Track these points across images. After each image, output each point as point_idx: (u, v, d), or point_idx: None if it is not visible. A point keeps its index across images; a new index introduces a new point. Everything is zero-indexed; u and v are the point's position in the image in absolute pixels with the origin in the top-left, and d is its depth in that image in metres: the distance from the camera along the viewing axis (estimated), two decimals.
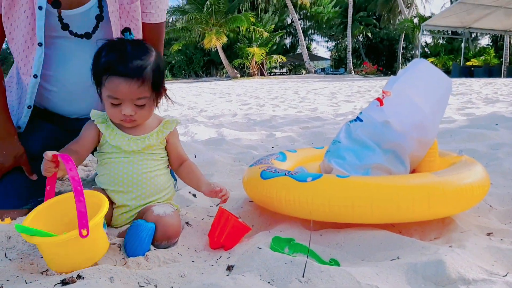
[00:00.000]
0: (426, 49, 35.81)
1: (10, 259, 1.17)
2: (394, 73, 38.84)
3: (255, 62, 33.25)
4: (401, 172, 1.42)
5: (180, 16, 32.90)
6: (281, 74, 45.80)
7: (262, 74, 36.51)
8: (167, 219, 1.24)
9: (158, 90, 1.33)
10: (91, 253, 1.10)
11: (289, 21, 42.12)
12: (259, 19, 34.99)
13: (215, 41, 30.10)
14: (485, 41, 39.15)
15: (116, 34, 1.60)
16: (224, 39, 30.57)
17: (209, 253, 1.24)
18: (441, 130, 3.15)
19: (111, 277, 1.01)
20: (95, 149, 1.43)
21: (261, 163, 1.53)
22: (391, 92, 1.44)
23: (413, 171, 1.50)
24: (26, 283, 1.02)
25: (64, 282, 0.99)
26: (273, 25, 34.77)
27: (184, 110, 6.55)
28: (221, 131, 3.57)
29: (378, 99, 1.48)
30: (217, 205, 1.67)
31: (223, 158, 2.47)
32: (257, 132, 3.57)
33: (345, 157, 1.43)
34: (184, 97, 10.68)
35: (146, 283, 1.02)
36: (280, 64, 46.72)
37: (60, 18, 1.59)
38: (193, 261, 1.18)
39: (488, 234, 1.36)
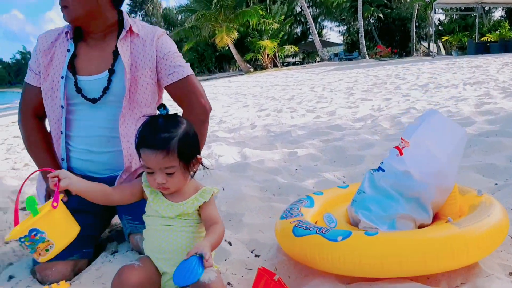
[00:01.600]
0: (439, 27, 35.20)
1: None
2: (408, 53, 38.40)
3: (267, 55, 33.23)
4: (424, 219, 1.51)
5: (189, 15, 33.01)
6: (295, 63, 45.63)
7: (275, 66, 36.49)
8: (212, 286, 1.35)
9: (187, 161, 1.43)
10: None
11: (298, 9, 41.88)
12: (268, 11, 34.88)
13: (226, 39, 30.16)
14: (499, 13, 38.34)
15: (127, 95, 1.86)
16: (235, 35, 30.60)
17: None
18: None
19: None
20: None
21: (291, 216, 1.63)
22: (410, 142, 1.53)
23: (436, 215, 1.58)
24: None
25: None
26: (283, 16, 34.64)
27: None
28: (244, 151, 3.68)
29: (397, 147, 1.57)
30: (254, 255, 1.78)
31: (250, 189, 2.58)
32: (279, 150, 3.67)
33: (370, 208, 1.52)
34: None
35: None
36: (293, 53, 46.58)
37: (76, 83, 1.87)
38: None
39: (510, 274, 1.44)
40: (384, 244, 1.33)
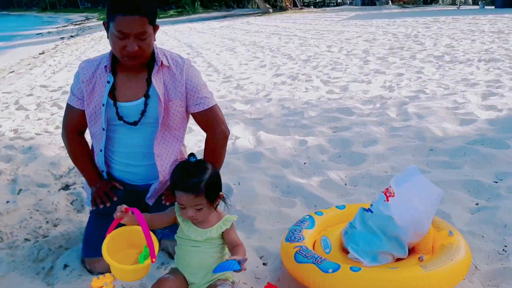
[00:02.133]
0: None
1: None
2: (433, 0, 37.15)
3: None
4: (401, 255, 1.89)
5: None
6: (316, 4, 44.44)
7: (295, 5, 35.74)
8: None
9: (211, 199, 1.80)
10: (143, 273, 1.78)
11: None
12: None
13: None
14: None
15: (161, 121, 2.22)
16: None
17: None
18: (456, 144, 3.50)
19: None
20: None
21: (294, 240, 2.00)
22: (395, 193, 1.87)
23: (412, 249, 1.95)
24: None
25: None
26: None
27: (221, 85, 6.97)
28: (259, 135, 4.03)
29: (385, 193, 1.91)
30: (262, 262, 2.18)
31: (262, 187, 2.96)
32: (291, 137, 4.00)
33: (358, 243, 1.89)
34: (219, 55, 10.99)
35: None
36: None
37: (117, 112, 2.22)
38: None
39: None
40: (364, 279, 1.72)
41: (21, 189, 3.21)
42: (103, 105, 2.21)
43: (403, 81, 6.17)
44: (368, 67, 7.50)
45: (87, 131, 2.39)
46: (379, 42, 10.96)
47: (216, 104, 2.36)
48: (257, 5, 40.48)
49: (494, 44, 8.97)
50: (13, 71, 11.21)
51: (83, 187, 3.17)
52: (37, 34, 30.09)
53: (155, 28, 2.14)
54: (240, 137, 4.11)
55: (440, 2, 35.75)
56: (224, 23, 25.13)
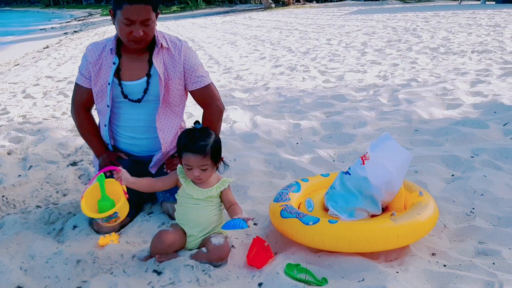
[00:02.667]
0: None
1: (128, 275, 1.97)
2: None
3: None
4: (375, 212, 2.11)
5: None
6: None
7: (298, 0, 35.83)
8: (221, 248, 1.99)
9: (215, 160, 2.03)
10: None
11: None
12: None
13: None
14: None
15: (162, 98, 2.44)
16: None
17: (247, 270, 1.98)
18: (440, 125, 3.72)
19: None
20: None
21: (281, 200, 2.23)
22: (370, 156, 2.09)
23: (386, 207, 2.18)
24: None
25: None
26: None
27: (222, 75, 7.18)
28: (255, 119, 4.25)
29: (362, 158, 2.14)
30: (254, 222, 2.40)
31: (256, 162, 3.18)
32: (286, 120, 4.22)
33: (337, 201, 2.12)
34: (220, 48, 11.20)
35: None
36: None
37: (122, 91, 2.45)
38: (237, 277, 1.94)
39: (432, 255, 2.05)
40: (340, 230, 1.94)
41: (32, 166, 3.43)
42: (109, 84, 2.44)
43: (397, 71, 6.38)
44: (365, 58, 7.70)
45: (94, 108, 2.63)
46: (378, 35, 11.15)
47: (212, 82, 2.59)
48: (260, 0, 40.61)
49: (489, 37, 9.14)
50: (18, 64, 11.45)
51: (90, 163, 3.41)
52: (40, 29, 30.30)
53: (157, 14, 2.36)
54: (237, 121, 4.33)
55: None
56: (227, 18, 25.33)
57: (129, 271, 2.01)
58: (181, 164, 2.07)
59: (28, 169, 3.35)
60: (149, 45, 2.44)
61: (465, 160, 2.99)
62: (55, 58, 11.60)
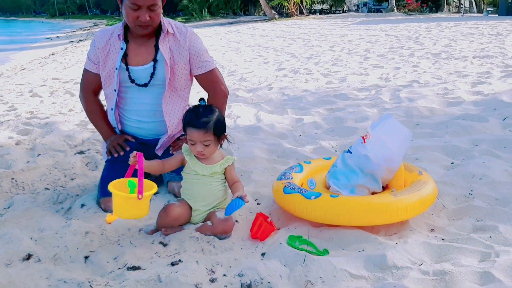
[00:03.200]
0: None
1: (135, 245, 2.03)
2: (439, 7, 37.51)
3: (294, 2, 32.90)
4: (375, 189, 2.17)
5: None
6: (322, 11, 44.92)
7: (301, 13, 36.15)
8: (226, 221, 2.05)
9: (218, 136, 2.10)
10: (138, 211, 1.99)
11: None
12: None
13: None
14: None
15: (168, 82, 2.51)
16: None
17: (250, 242, 2.04)
18: (440, 119, 3.79)
19: (197, 261, 1.84)
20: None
21: (284, 178, 2.29)
22: (371, 135, 2.16)
23: (386, 186, 2.24)
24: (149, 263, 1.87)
25: (172, 264, 1.83)
26: None
27: (225, 78, 7.27)
28: (259, 114, 4.32)
29: (363, 137, 2.20)
30: (257, 203, 2.47)
31: (260, 151, 3.25)
32: (289, 116, 4.30)
33: (339, 178, 2.18)
34: (224, 54, 11.32)
35: (215, 264, 1.85)
36: (320, 0, 45.73)
37: (129, 75, 2.52)
38: (241, 248, 1.99)
39: (431, 231, 2.10)
40: (341, 204, 2.00)
41: (40, 154, 3.50)
42: (116, 69, 2.52)
43: (399, 73, 6.46)
44: (367, 63, 7.79)
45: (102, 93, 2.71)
46: (381, 43, 11.26)
47: (216, 67, 2.66)
48: (264, 12, 41.00)
49: (491, 44, 9.24)
50: (24, 69, 11.59)
51: (97, 152, 3.48)
52: (46, 38, 30.61)
53: (163, 1, 2.45)
54: (241, 116, 4.41)
55: (445, 10, 36.06)
56: (230, 29, 25.55)
57: (135, 242, 2.06)
58: (187, 142, 2.13)
59: (37, 157, 3.42)
60: (156, 31, 2.53)
61: (465, 149, 3.05)
62: (61, 62, 11.76)
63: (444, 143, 3.18)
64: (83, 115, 4.89)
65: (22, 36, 33.58)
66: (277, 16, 33.71)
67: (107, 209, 2.45)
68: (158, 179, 2.73)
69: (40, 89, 7.02)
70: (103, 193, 2.49)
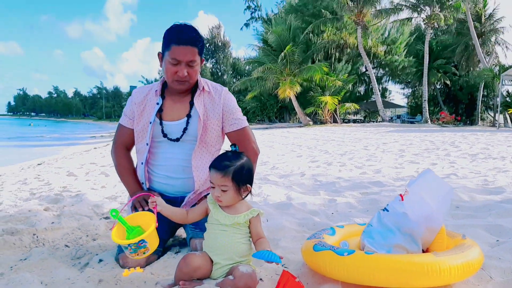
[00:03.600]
0: (507, 99, 34.49)
1: None
2: (473, 122, 37.81)
3: (328, 110, 33.90)
4: (415, 251, 1.97)
5: (257, 66, 34.56)
6: (355, 121, 46.01)
7: (335, 121, 37.02)
8: (249, 276, 1.87)
9: (238, 184, 2.00)
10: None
11: (363, 69, 42.60)
12: (332, 68, 35.84)
13: (289, 91, 31.22)
14: None
15: (199, 137, 2.51)
16: (298, 88, 31.66)
17: None
18: (482, 203, 3.56)
19: None
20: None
21: (315, 238, 2.13)
22: (409, 191, 2.01)
23: (426, 250, 2.03)
24: None
25: None
26: (346, 74, 35.40)
27: (258, 166, 7.28)
28: (289, 194, 4.21)
29: (400, 195, 2.06)
30: (283, 265, 2.28)
31: (290, 224, 3.09)
32: (321, 196, 4.16)
33: (374, 237, 2.00)
34: None
35: None
36: (354, 111, 46.99)
37: (162, 130, 2.53)
38: None
39: None
40: (376, 261, 1.80)
41: (66, 218, 3.46)
42: (150, 122, 2.55)
43: (436, 168, 6.30)
44: (402, 159, 7.69)
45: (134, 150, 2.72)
46: (416, 145, 11.22)
47: (248, 126, 2.65)
48: (298, 120, 42.28)
49: None
50: (65, 158, 12.04)
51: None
52: (91, 137, 32.21)
53: (202, 60, 2.53)
54: (271, 195, 4.30)
55: (479, 124, 36.21)
56: (265, 132, 26.27)
57: None
58: None
59: (62, 219, 3.37)
60: (192, 89, 2.58)
61: (510, 229, 2.81)
62: (100, 153, 12.18)
63: (487, 223, 2.95)
64: (114, 190, 4.91)
65: (70, 134, 35.54)
66: (311, 123, 34.63)
67: (125, 266, 2.31)
68: (181, 244, 2.61)
69: (77, 171, 7.19)
70: (122, 249, 2.37)
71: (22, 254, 2.53)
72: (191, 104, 2.56)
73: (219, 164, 1.98)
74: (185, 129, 2.54)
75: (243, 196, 2.07)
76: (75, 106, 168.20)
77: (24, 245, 2.68)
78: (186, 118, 2.55)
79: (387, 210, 2.07)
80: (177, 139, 2.55)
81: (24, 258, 2.44)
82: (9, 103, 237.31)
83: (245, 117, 2.66)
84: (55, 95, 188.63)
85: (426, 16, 32.32)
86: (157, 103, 2.58)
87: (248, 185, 2.06)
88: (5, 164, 9.96)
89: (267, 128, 34.84)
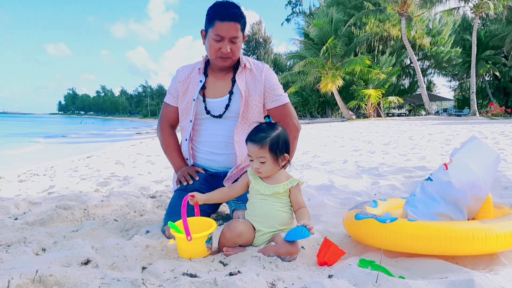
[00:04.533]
0: None
1: (194, 261, 1.92)
2: None
3: (371, 104, 33.29)
4: (460, 219, 1.93)
5: (298, 61, 34.38)
6: (400, 115, 44.98)
7: (379, 115, 36.33)
8: (291, 242, 1.90)
9: (276, 155, 2.02)
10: (191, 252, 1.95)
11: (407, 62, 41.53)
12: (375, 61, 35.16)
13: (331, 85, 30.87)
14: None
15: (241, 113, 2.54)
16: (340, 82, 31.23)
17: (317, 267, 1.86)
18: None
19: (257, 274, 1.69)
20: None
21: (356, 208, 2.13)
22: (453, 159, 1.97)
23: (473, 220, 1.99)
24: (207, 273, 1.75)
25: (231, 274, 1.70)
26: (390, 67, 34.62)
27: (299, 155, 7.27)
28: (331, 178, 4.19)
29: (445, 164, 2.02)
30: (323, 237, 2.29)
31: (331, 202, 3.09)
32: (363, 180, 4.12)
33: (417, 206, 1.98)
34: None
35: (276, 280, 1.68)
36: (399, 105, 45.96)
37: (205, 107, 2.60)
38: (306, 269, 1.81)
39: None
40: (420, 228, 1.78)
41: (114, 197, 3.59)
42: (194, 100, 2.61)
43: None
44: (449, 147, 7.48)
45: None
46: (463, 135, 10.86)
47: (289, 102, 2.67)
48: (340, 115, 41.80)
49: None
50: (113, 150, 12.45)
51: (168, 198, 3.50)
52: (136, 133, 33.05)
53: (244, 37, 2.57)
54: (312, 178, 4.30)
55: None
56: (307, 126, 26.10)
57: (195, 259, 1.96)
58: None
59: (111, 197, 3.51)
60: (234, 66, 2.63)
61: None
62: (146, 145, 12.51)
63: None
64: (160, 175, 5.04)
65: (117, 131, 36.69)
66: (354, 117, 34.13)
67: (171, 237, 2.39)
68: (223, 218, 2.66)
69: (124, 160, 7.44)
70: (170, 219, 2.45)
71: (74, 226, 2.66)
72: (233, 81, 2.60)
73: (255, 136, 2.01)
74: (227, 106, 2.59)
75: (282, 166, 2.09)
76: (121, 104, 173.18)
77: (76, 219, 2.81)
78: (228, 95, 2.60)
79: (431, 180, 2.04)
80: (220, 116, 2.60)
81: (76, 230, 2.56)
82: (60, 102, 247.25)
83: (286, 94, 2.68)
84: (103, 94, 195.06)
85: (474, 4, 31.09)
86: (200, 81, 2.64)
87: (286, 155, 2.08)
88: (56, 159, 10.41)
89: (308, 123, 34.63)
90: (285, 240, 1.90)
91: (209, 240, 2.00)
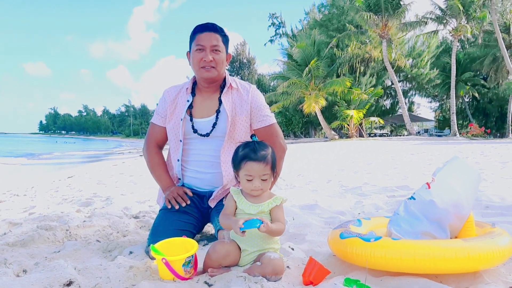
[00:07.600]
0: None
1: (179, 282, 1.90)
2: (503, 135, 36.91)
3: (354, 124, 33.66)
4: (443, 238, 1.95)
5: (281, 81, 34.71)
6: (382, 135, 45.53)
7: (361, 135, 36.72)
8: (276, 261, 1.89)
9: (273, 169, 2.04)
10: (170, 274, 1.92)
11: (388, 83, 42.25)
12: (357, 82, 35.69)
13: (314, 106, 31.17)
14: None
15: (227, 132, 2.56)
16: (323, 103, 31.57)
17: (302, 287, 1.86)
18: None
19: None
20: None
21: (341, 227, 2.14)
22: (435, 178, 2.01)
23: (455, 238, 2.01)
24: None
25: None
26: (372, 88, 35.17)
27: (283, 174, 7.29)
28: (316, 197, 4.21)
29: (427, 183, 2.05)
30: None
31: (316, 222, 3.10)
32: (347, 199, 4.15)
33: (401, 225, 2.00)
34: None
35: None
36: (380, 126, 46.60)
37: (193, 126, 2.61)
38: None
39: None
40: (403, 247, 1.80)
41: (97, 217, 3.54)
42: (181, 119, 2.62)
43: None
44: (431, 166, 7.57)
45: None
46: (444, 155, 11.03)
47: (276, 122, 2.69)
48: (323, 134, 42.08)
49: None
50: (94, 171, 12.31)
51: (152, 219, 3.47)
52: (118, 153, 32.79)
53: (228, 56, 2.61)
54: (295, 198, 4.30)
55: (510, 136, 35.31)
56: (291, 146, 26.22)
57: (180, 281, 1.94)
58: (236, 177, 2.09)
59: (93, 218, 3.46)
60: (221, 86, 2.65)
61: None
62: (129, 165, 12.40)
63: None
64: (143, 195, 5.00)
65: (98, 151, 36.37)
66: (337, 137, 34.42)
67: (154, 257, 2.36)
68: (208, 238, 2.65)
69: (107, 180, 7.36)
70: (153, 240, 2.42)
71: (56, 247, 2.62)
72: (220, 100, 2.62)
73: (257, 155, 2.00)
74: (214, 124, 2.60)
75: (274, 181, 2.11)
76: (103, 124, 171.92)
77: (58, 240, 2.76)
78: (215, 114, 2.61)
79: (414, 199, 2.06)
80: (207, 134, 2.61)
81: (57, 251, 2.52)
82: (41, 122, 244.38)
83: (273, 114, 2.71)
84: (85, 114, 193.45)
85: (452, 28, 31.94)
86: (187, 100, 2.65)
87: (278, 171, 2.11)
88: (36, 180, 10.25)
89: (292, 143, 34.79)
90: (273, 257, 1.90)
91: (188, 263, 1.97)
